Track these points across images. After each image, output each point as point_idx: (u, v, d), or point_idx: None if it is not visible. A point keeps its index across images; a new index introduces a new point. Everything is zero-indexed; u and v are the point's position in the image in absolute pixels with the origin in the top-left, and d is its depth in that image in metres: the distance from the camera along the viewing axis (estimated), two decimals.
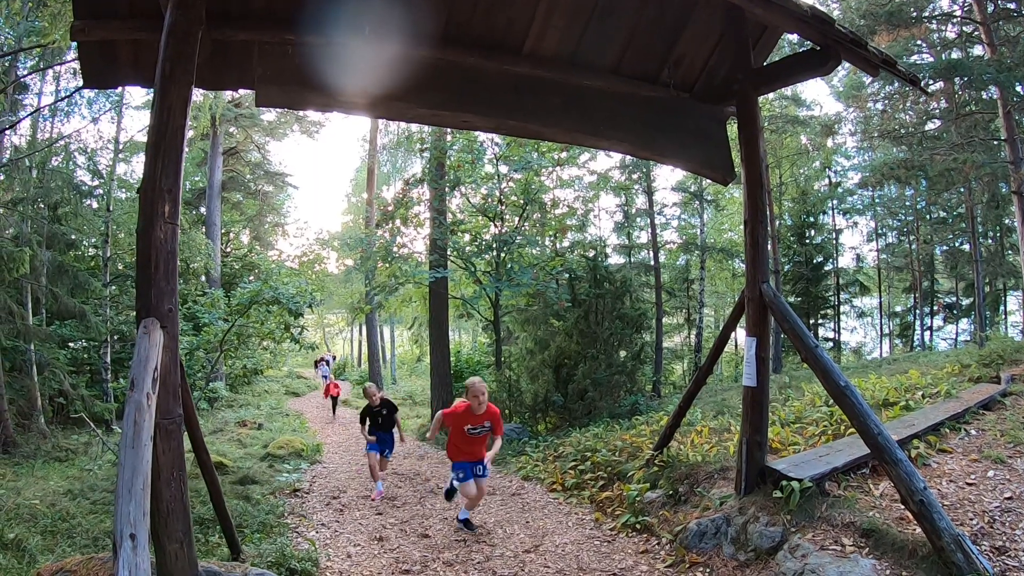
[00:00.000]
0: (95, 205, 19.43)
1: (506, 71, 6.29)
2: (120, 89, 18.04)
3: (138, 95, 28.28)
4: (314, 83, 5.45)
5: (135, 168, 25.29)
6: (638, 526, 6.88)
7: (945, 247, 29.64)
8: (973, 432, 7.25)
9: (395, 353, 47.38)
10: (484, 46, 6.14)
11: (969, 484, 5.71)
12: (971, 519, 5.05)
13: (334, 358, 30.56)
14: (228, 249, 32.11)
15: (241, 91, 21.08)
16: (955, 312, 29.68)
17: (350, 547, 6.94)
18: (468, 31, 6.04)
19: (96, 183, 19.65)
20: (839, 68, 6.19)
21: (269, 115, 30.89)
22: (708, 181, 27.25)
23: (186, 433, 4.73)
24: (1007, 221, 25.25)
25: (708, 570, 5.52)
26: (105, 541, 6.69)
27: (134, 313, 14.86)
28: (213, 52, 5.14)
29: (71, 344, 17.81)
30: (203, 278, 25.46)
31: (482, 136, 18.29)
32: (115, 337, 17.92)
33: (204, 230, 26.31)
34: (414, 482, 10.51)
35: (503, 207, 19.08)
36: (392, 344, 48.22)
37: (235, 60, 5.36)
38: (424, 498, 9.31)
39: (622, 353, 17.12)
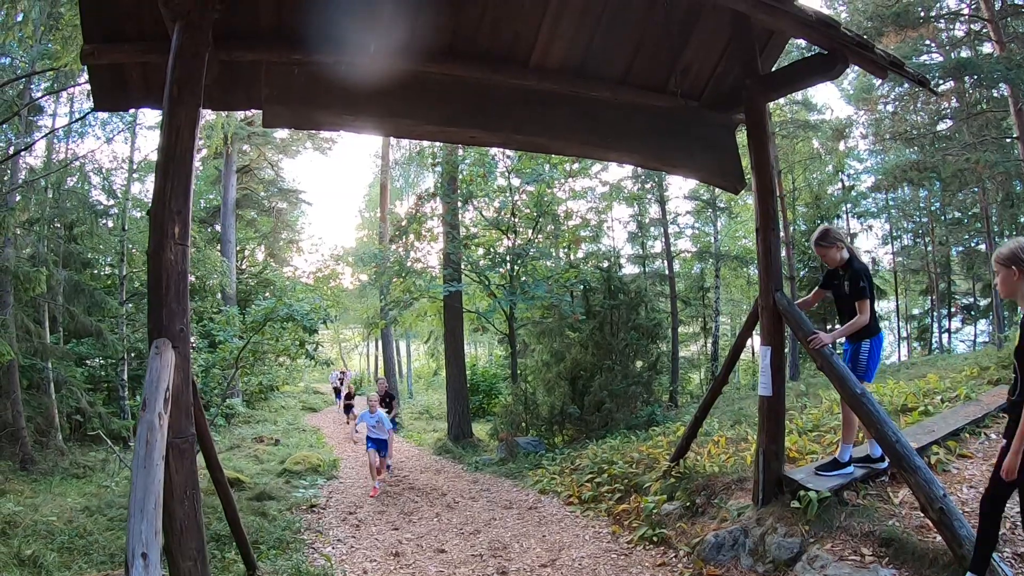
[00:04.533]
0: (110, 224, 19.59)
1: (513, 85, 6.31)
2: (132, 110, 18.24)
3: (152, 115, 28.35)
4: (321, 102, 5.49)
5: (149, 188, 25.47)
6: (655, 539, 6.81)
7: (961, 248, 29.33)
8: (993, 436, 7.14)
9: (412, 367, 47.41)
10: (491, 60, 6.16)
11: None
12: None
13: (342, 374, 29.91)
14: (243, 266, 32.26)
15: (252, 110, 21.28)
16: (973, 313, 29.37)
17: (366, 563, 6.93)
18: (474, 46, 6.06)
19: (111, 203, 19.81)
20: (847, 71, 6.16)
21: (282, 133, 31.02)
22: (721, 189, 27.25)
23: (200, 452, 4.75)
24: (1022, 220, 25.08)
25: None
26: (122, 558, 6.71)
27: None
28: (221, 73, 5.19)
29: (88, 362, 17.94)
30: (219, 295, 25.57)
31: (493, 150, 18.34)
32: (132, 355, 18.02)
33: (219, 248, 26.47)
34: (430, 497, 10.49)
35: (516, 220, 19.13)
36: (408, 358, 48.22)
37: (243, 80, 5.42)
38: (440, 513, 9.29)
39: (638, 364, 17.10)
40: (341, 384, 26.90)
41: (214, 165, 28.65)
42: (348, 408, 21.42)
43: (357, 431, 18.36)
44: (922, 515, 4.88)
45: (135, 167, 20.40)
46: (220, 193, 28.34)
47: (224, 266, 24.07)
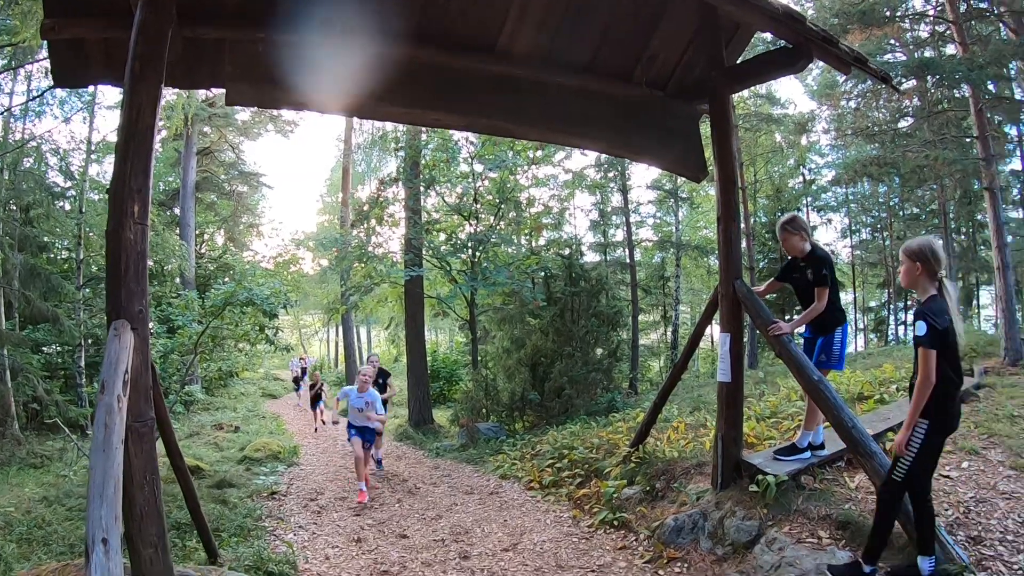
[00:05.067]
0: (67, 207, 19.13)
1: (479, 69, 6.30)
2: (92, 88, 17.85)
3: (111, 95, 27.77)
4: (285, 81, 5.41)
5: (107, 169, 24.87)
6: (616, 522, 6.91)
7: None
8: None
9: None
10: (457, 44, 6.13)
11: (944, 475, 5.79)
12: (946, 510, 5.11)
13: (302, 361, 29.01)
14: (202, 250, 31.71)
15: (214, 90, 20.84)
16: None
17: (328, 549, 6.91)
18: (441, 29, 6.02)
19: (68, 184, 19.33)
20: (812, 66, 6.25)
21: (243, 114, 30.54)
22: (684, 179, 27.49)
23: (160, 437, 4.68)
24: (979, 217, 25.75)
25: (686, 565, 5.55)
26: (81, 547, 6.56)
27: None
28: (184, 50, 5.08)
29: (45, 349, 17.54)
30: (177, 280, 25.15)
31: (457, 135, 18.33)
32: (89, 341, 17.65)
33: (178, 231, 25.96)
34: (392, 483, 10.47)
35: (478, 206, 19.12)
36: (369, 344, 48.03)
37: (206, 58, 5.30)
38: (402, 499, 9.28)
39: (598, 351, 17.20)
40: (303, 373, 26.16)
41: (173, 147, 28.07)
42: (316, 401, 19.01)
43: (323, 423, 18.00)
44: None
45: (93, 148, 19.93)
46: (179, 175, 27.76)
47: (183, 250, 23.56)
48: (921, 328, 3.93)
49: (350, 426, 9.92)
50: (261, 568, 5.67)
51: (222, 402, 23.31)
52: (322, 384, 19.34)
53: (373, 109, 6.38)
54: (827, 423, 5.70)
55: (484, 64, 6.32)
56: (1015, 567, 4.26)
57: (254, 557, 5.87)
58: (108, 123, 46.80)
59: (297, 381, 26.05)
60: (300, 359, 28.74)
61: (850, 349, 30.39)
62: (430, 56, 6.00)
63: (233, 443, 14.31)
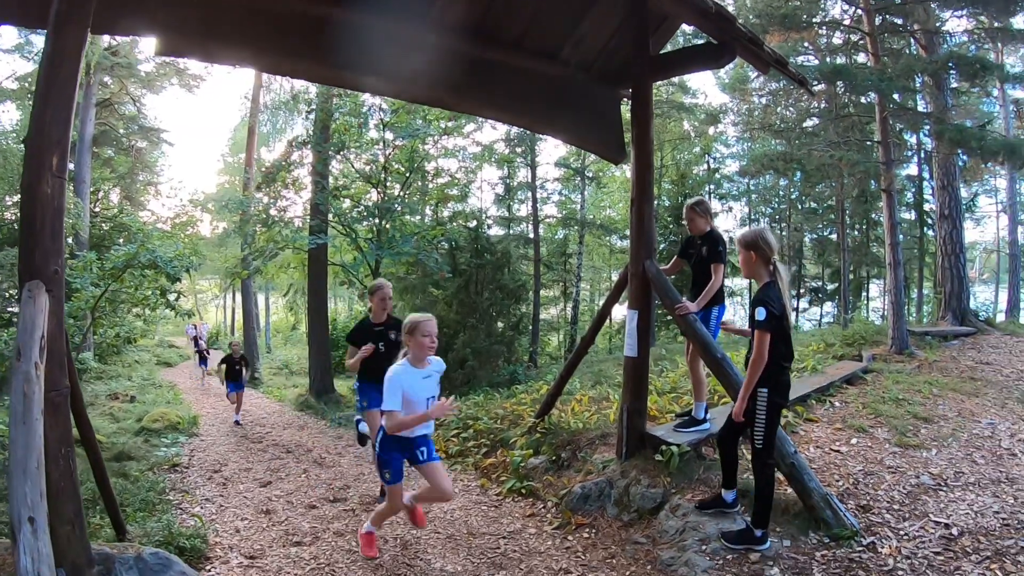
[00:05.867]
0: None
1: (413, 36, 6.25)
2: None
3: (9, 38, 25.76)
4: (220, 33, 5.21)
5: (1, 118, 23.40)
6: (524, 491, 7.08)
7: (814, 236, 31.91)
8: (837, 404, 7.95)
9: (270, 321, 46.21)
10: (392, 8, 6.05)
11: (834, 450, 6.26)
12: (837, 481, 5.56)
13: (194, 328, 27.61)
14: (97, 209, 30.11)
15: (118, 38, 19.57)
16: (820, 296, 31.88)
17: (237, 521, 6.80)
18: None
19: None
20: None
21: (147, 66, 28.75)
22: (591, 159, 28.02)
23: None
24: (873, 216, 27.43)
25: (594, 531, 5.78)
26: None
27: None
28: None
29: None
30: (70, 240, 23.90)
31: (369, 101, 18.08)
32: None
33: (73, 187, 24.63)
34: (296, 453, 10.38)
35: (386, 174, 18.94)
36: (267, 312, 46.96)
37: (132, 3, 5.02)
38: (308, 469, 9.21)
39: (500, 324, 17.45)
40: (207, 345, 24.39)
41: None
42: (235, 380, 13.84)
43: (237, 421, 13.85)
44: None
45: None
46: (76, 128, 26.20)
47: (78, 207, 22.35)
48: (761, 314, 4.41)
49: (389, 446, 5.03)
50: (172, 543, 5.53)
51: (116, 370, 22.35)
52: (243, 359, 14.33)
53: (307, 69, 6.29)
54: (726, 399, 6.02)
55: (418, 32, 6.28)
56: (901, 532, 4.69)
57: (164, 532, 5.74)
58: (3, 67, 43.97)
59: (202, 355, 23.39)
60: (194, 326, 27.87)
61: None
62: (366, 19, 5.87)
63: (130, 413, 13.78)
